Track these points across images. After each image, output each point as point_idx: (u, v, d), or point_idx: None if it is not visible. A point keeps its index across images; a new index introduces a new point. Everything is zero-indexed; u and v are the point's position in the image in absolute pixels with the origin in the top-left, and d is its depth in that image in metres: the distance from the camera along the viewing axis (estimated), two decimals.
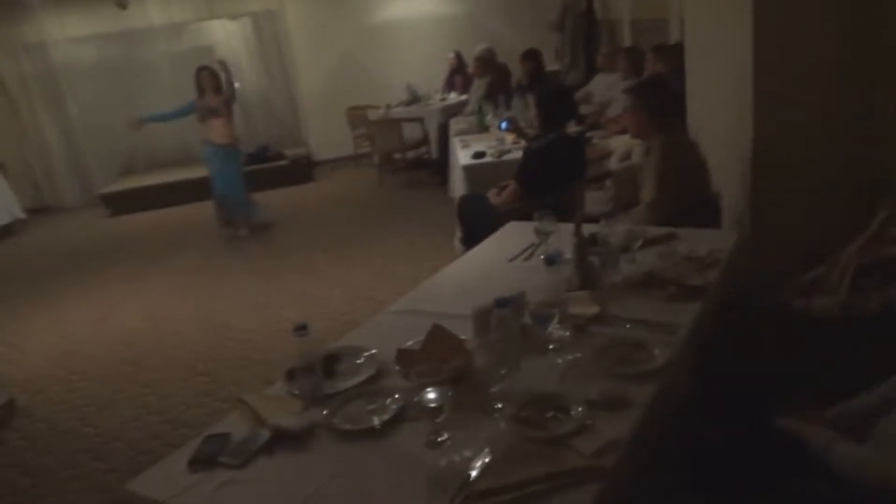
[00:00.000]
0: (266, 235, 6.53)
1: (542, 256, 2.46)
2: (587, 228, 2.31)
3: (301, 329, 1.71)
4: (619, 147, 4.37)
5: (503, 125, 4.58)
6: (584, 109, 6.50)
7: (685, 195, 2.78)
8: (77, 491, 2.99)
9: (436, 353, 1.82)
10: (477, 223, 3.83)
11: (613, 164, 4.03)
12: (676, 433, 1.80)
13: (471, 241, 3.99)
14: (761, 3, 2.72)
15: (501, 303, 1.68)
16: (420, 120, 7.82)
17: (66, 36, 8.95)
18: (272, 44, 9.60)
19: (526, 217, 3.52)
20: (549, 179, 3.50)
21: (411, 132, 8.13)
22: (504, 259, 2.60)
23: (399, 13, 9.41)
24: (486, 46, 7.86)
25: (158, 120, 6.48)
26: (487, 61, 7.42)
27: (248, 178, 8.60)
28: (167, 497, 1.46)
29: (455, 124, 6.50)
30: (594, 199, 4.05)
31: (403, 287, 3.56)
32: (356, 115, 8.88)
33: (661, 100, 2.81)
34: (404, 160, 7.86)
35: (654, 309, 2.03)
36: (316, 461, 1.54)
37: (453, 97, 8.33)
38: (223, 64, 6.27)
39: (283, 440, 1.61)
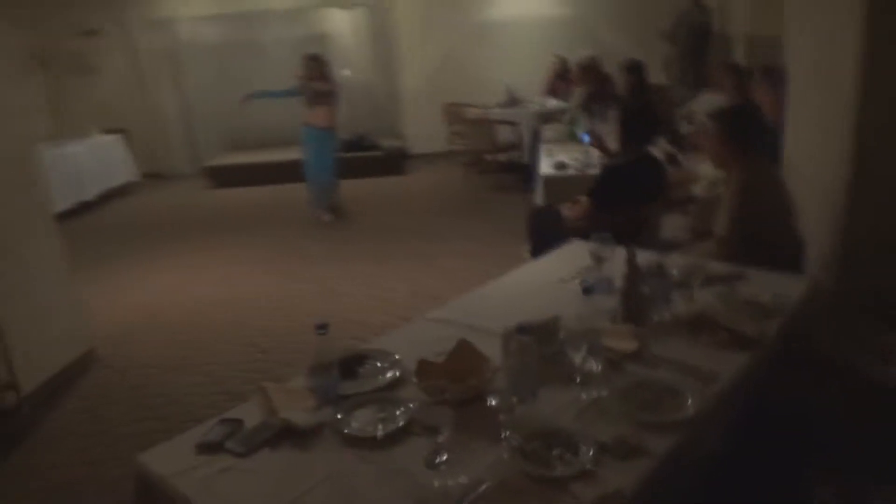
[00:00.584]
0: (349, 222, 6.68)
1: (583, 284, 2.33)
2: (649, 257, 2.20)
3: (321, 328, 1.72)
4: (708, 173, 4.14)
5: (584, 137, 4.45)
6: (684, 128, 6.25)
7: (762, 235, 2.58)
8: (131, 448, 3.14)
9: (457, 369, 1.79)
10: (547, 236, 3.74)
11: (698, 190, 3.82)
12: (701, 491, 1.68)
13: (539, 253, 3.92)
14: (873, 35, 2.47)
15: (523, 329, 1.62)
16: (515, 123, 7.73)
17: (193, 14, 9.51)
18: (381, 35, 9.79)
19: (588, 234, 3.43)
20: (623, 199, 3.36)
21: (506, 134, 8.06)
22: (556, 278, 2.52)
23: (507, 13, 9.35)
24: (591, 54, 7.66)
25: (266, 96, 6.67)
26: (589, 69, 7.23)
27: (341, 164, 8.91)
28: (169, 473, 1.51)
29: (546, 131, 6.39)
30: (674, 225, 3.86)
31: (467, 291, 3.54)
32: (453, 112, 8.92)
33: (744, 129, 2.62)
34: (495, 162, 7.82)
35: (699, 354, 1.90)
36: (315, 461, 1.55)
37: (553, 103, 8.20)
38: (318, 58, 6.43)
39: (290, 435, 1.63)
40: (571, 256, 2.75)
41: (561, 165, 4.50)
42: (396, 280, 4.98)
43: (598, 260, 2.36)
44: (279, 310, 4.63)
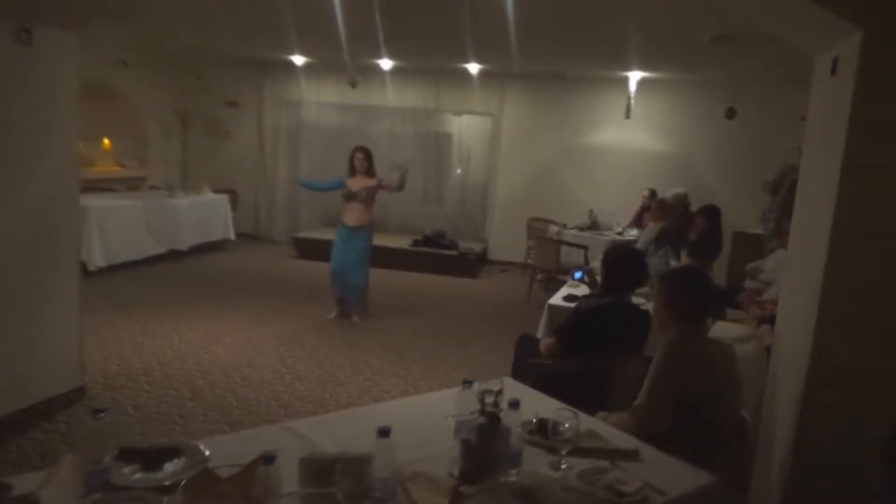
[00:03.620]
0: (388, 315, 6.70)
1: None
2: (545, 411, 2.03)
3: (98, 412, 1.71)
4: (719, 334, 3.78)
5: (577, 275, 4.23)
6: (748, 284, 5.82)
7: (687, 412, 2.28)
8: None
9: (235, 490, 1.69)
10: (524, 365, 3.56)
11: None
12: None
13: (516, 378, 3.71)
14: (843, 213, 2.22)
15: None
16: (585, 247, 7.56)
17: (317, 100, 10.39)
18: (484, 143, 10.12)
19: (558, 376, 3.19)
20: (590, 344, 3.13)
21: (578, 256, 7.90)
22: (443, 414, 2.35)
23: (607, 139, 9.36)
24: (678, 192, 7.45)
25: (310, 187, 6.75)
26: (668, 207, 7.01)
27: (413, 258, 9.09)
28: None
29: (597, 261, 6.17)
30: None
31: None
32: (535, 227, 8.93)
33: (686, 295, 2.36)
34: (558, 281, 7.64)
35: None
36: None
37: (633, 234, 7.98)
38: (403, 167, 6.34)
39: None
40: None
41: (571, 298, 4.30)
42: (398, 380, 4.91)
43: (482, 402, 2.18)
44: (273, 385, 4.68)
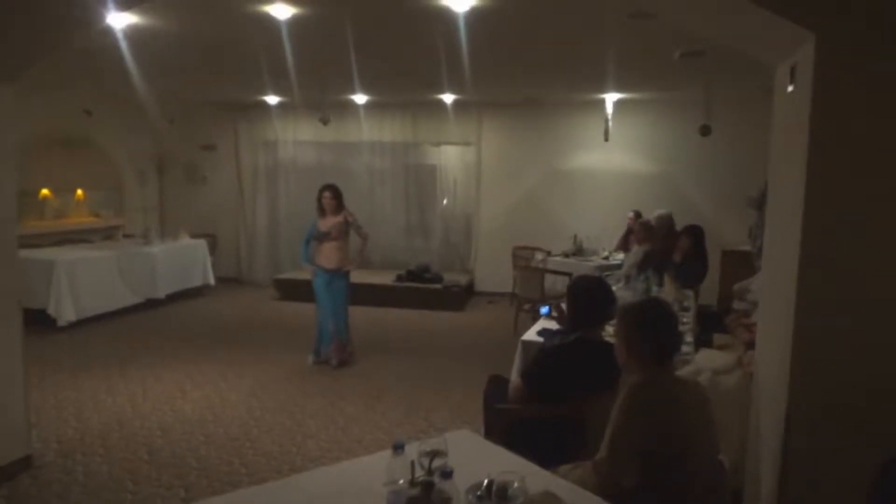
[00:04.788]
0: (368, 356, 6.44)
1: None
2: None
3: None
4: (714, 362, 3.54)
5: (543, 311, 3.99)
6: (736, 305, 5.59)
7: (655, 464, 2.03)
8: None
9: None
10: (493, 410, 3.30)
11: None
12: None
13: (487, 425, 3.46)
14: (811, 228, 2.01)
15: None
16: (570, 275, 7.32)
17: (294, 139, 10.26)
18: (466, 173, 9.95)
19: (530, 421, 2.94)
20: (558, 386, 2.88)
21: (564, 284, 7.66)
22: (383, 481, 2.10)
23: (588, 163, 9.21)
24: (662, 213, 7.27)
25: (306, 254, 6.17)
26: (651, 229, 6.81)
27: (397, 294, 8.86)
28: None
29: None
30: None
31: None
32: (520, 255, 8.71)
33: (648, 334, 2.12)
34: None
35: None
36: None
37: (620, 258, 7.76)
38: (362, 245, 6.06)
39: None
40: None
41: (544, 332, 4.04)
42: (373, 427, 4.66)
43: (413, 470, 1.93)
44: (235, 441, 4.40)
